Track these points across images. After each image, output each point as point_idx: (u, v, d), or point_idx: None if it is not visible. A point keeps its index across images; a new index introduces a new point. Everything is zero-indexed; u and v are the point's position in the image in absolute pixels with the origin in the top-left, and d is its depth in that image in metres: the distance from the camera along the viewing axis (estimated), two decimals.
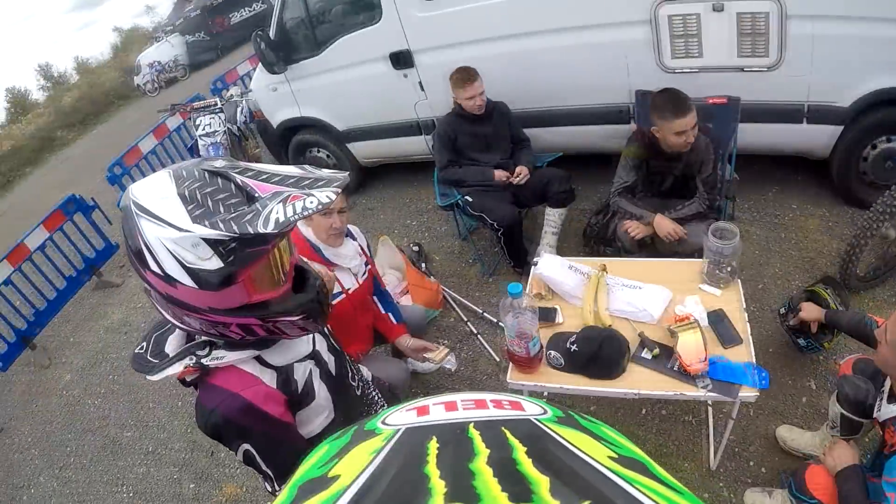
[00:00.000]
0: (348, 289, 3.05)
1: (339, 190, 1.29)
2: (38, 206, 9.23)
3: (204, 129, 5.72)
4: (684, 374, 2.50)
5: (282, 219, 1.22)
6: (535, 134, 4.69)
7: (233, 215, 1.24)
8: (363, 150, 5.78)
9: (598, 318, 2.84)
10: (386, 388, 3.36)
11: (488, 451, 0.50)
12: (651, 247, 3.72)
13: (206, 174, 1.29)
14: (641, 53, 3.98)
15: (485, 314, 4.42)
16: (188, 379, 1.53)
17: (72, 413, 5.10)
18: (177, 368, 1.46)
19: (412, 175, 6.07)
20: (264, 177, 1.30)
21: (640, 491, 0.46)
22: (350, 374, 2.03)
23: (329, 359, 1.86)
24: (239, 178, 1.29)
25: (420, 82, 4.94)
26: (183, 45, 17.70)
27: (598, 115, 4.44)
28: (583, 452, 0.52)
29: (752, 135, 3.91)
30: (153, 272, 1.29)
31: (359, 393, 2.09)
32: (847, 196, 4.28)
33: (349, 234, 3.12)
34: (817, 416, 3.18)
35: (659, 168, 3.58)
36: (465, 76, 4.09)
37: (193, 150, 6.39)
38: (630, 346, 2.68)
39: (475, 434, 0.54)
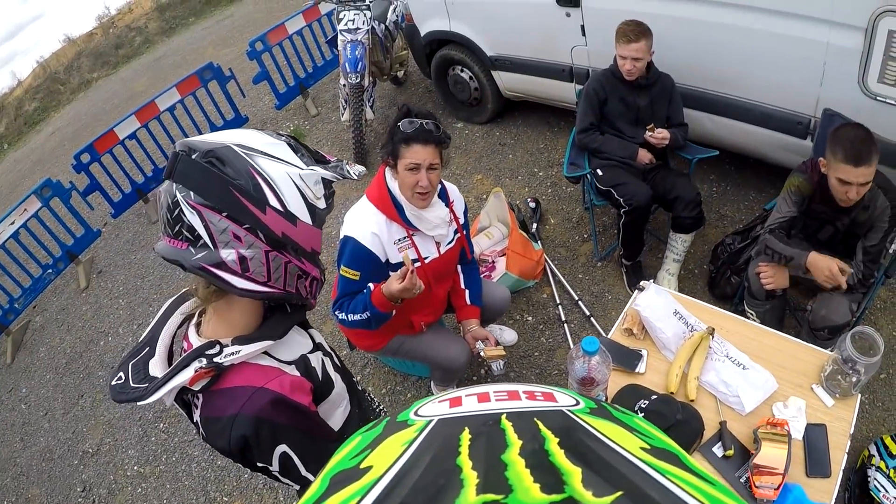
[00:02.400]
0: (426, 258, 2.93)
1: (361, 170, 1.48)
2: (193, 57, 9.54)
3: (346, 24, 5.52)
4: (748, 491, 2.26)
5: (357, 172, 1.46)
6: (696, 118, 4.30)
7: (329, 165, 1.42)
8: (509, 82, 5.48)
9: (685, 386, 2.60)
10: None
11: (520, 442, 0.52)
12: (781, 298, 3.38)
13: (283, 137, 1.42)
14: (844, 65, 3.43)
15: (580, 302, 4.24)
16: (197, 388, 1.42)
17: (164, 274, 5.45)
18: (186, 375, 1.35)
19: (555, 120, 5.81)
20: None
21: (672, 482, 0.47)
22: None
23: (332, 352, 1.84)
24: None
25: (583, 25, 4.54)
26: None
27: (774, 119, 3.95)
28: (615, 443, 0.54)
29: None
30: (274, 209, 1.32)
31: (360, 388, 2.08)
32: None
33: (443, 196, 2.96)
34: None
35: (821, 213, 3.15)
36: (630, 31, 3.67)
37: (332, 44, 6.24)
38: (704, 431, 2.44)
39: (508, 425, 0.56)
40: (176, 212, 1.26)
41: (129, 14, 17.27)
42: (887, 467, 2.82)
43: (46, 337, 5.64)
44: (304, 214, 1.38)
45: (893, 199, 2.91)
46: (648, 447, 0.55)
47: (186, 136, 6.40)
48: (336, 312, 2.81)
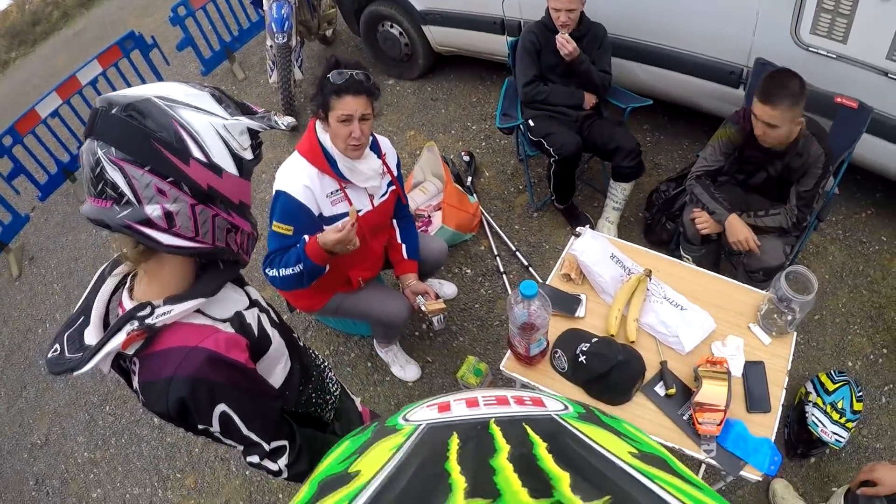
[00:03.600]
0: (359, 210, 2.85)
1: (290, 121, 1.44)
2: (114, 29, 9.22)
3: None
4: (691, 428, 2.27)
5: (287, 122, 1.43)
6: (630, 68, 4.31)
7: (255, 116, 1.39)
8: (439, 36, 5.38)
9: (625, 328, 2.59)
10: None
11: (509, 447, 0.52)
12: (716, 242, 3.41)
13: (206, 88, 1.37)
14: (777, 15, 3.46)
15: (518, 253, 4.24)
16: (130, 352, 1.37)
17: (97, 254, 5.27)
18: (118, 340, 1.30)
19: (487, 74, 5.73)
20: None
21: (660, 486, 0.47)
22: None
23: (269, 308, 1.81)
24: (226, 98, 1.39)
25: None
26: None
27: (706, 69, 3.96)
28: (603, 448, 0.54)
29: (870, 149, 3.47)
30: (198, 160, 1.29)
31: (301, 344, 2.04)
32: None
33: (375, 148, 2.89)
34: (818, 484, 3.07)
35: (754, 159, 3.17)
36: None
37: (257, 4, 6.07)
38: (645, 371, 2.45)
39: (496, 430, 0.56)
40: (98, 170, 1.21)
41: None
42: (824, 403, 2.88)
43: None
44: (229, 165, 1.35)
45: (827, 148, 2.93)
46: (637, 452, 0.55)
47: None
48: (266, 270, 2.71)
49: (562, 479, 0.46)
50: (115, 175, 1.21)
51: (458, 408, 0.66)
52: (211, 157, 1.31)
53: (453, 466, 0.49)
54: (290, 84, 5.51)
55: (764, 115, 2.79)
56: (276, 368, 1.73)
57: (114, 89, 6.01)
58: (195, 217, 1.32)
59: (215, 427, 1.46)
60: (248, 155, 1.39)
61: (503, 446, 0.52)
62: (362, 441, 0.64)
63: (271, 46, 5.45)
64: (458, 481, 0.47)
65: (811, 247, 3.94)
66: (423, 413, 0.67)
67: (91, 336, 1.38)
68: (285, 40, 5.34)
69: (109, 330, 1.32)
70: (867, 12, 3.11)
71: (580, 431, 0.58)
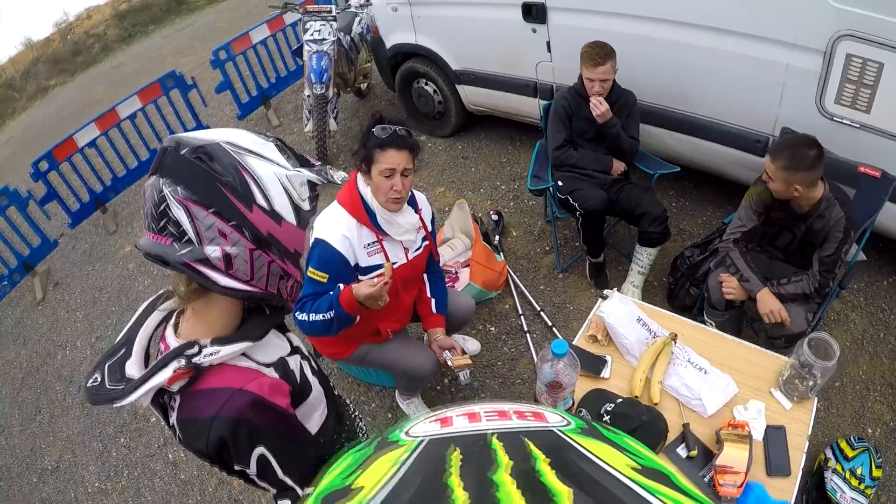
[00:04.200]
0: (394, 263, 2.93)
1: (344, 176, 1.54)
2: (152, 65, 9.42)
3: (312, 34, 5.52)
4: (712, 489, 2.33)
5: (341, 178, 1.50)
6: (658, 135, 4.42)
7: (314, 169, 1.44)
8: (473, 96, 5.54)
9: (648, 390, 2.66)
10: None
11: (511, 462, 0.52)
12: (739, 308, 3.48)
13: (270, 138, 1.43)
14: (802, 86, 3.57)
15: (542, 313, 4.29)
16: (174, 389, 1.39)
17: (122, 286, 5.33)
18: (164, 375, 1.33)
19: (517, 135, 5.88)
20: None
21: (662, 501, 0.47)
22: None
23: (309, 356, 1.82)
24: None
25: (548, 42, 4.62)
26: None
27: (733, 137, 4.07)
28: (606, 463, 0.54)
29: (891, 217, 3.54)
30: (260, 207, 1.33)
31: (336, 393, 2.08)
32: None
33: (412, 203, 2.99)
34: None
35: (779, 221, 3.27)
36: (595, 54, 3.76)
37: (297, 54, 6.24)
38: (668, 433, 2.50)
39: (498, 445, 0.56)
40: (162, 206, 1.25)
41: (88, 20, 17.00)
42: (843, 469, 2.91)
43: (2, 350, 5.49)
44: (289, 215, 1.38)
45: (849, 211, 3.02)
46: (639, 467, 0.55)
47: (147, 146, 6.38)
48: (297, 313, 2.77)
49: (564, 494, 0.46)
50: (179, 213, 1.24)
51: (460, 422, 0.66)
52: (273, 205, 1.34)
53: (455, 481, 0.49)
54: (324, 134, 5.67)
55: (766, 166, 2.97)
56: (314, 416, 1.76)
57: (151, 125, 6.26)
58: (252, 261, 1.35)
59: (252, 469, 1.47)
60: (307, 206, 1.43)
61: (505, 461, 0.52)
62: (364, 456, 0.64)
63: (308, 96, 5.62)
64: (460, 496, 0.47)
65: (832, 314, 3.99)
66: (425, 427, 0.66)
67: (132, 368, 1.41)
68: (323, 91, 5.52)
69: (155, 364, 1.35)
70: (890, 82, 3.22)
71: (582, 446, 0.57)
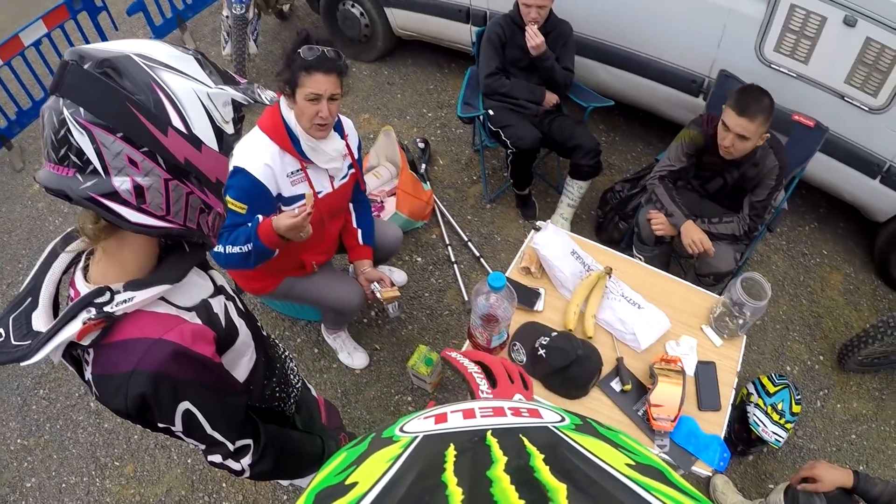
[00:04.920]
0: (319, 192, 2.81)
1: (272, 95, 1.35)
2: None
3: None
4: (646, 423, 2.36)
5: (270, 97, 1.33)
6: (593, 68, 4.40)
7: (240, 87, 1.28)
8: (401, 20, 5.34)
9: (583, 323, 2.66)
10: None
11: (506, 458, 0.52)
12: (668, 244, 3.51)
13: (190, 51, 1.26)
14: (743, 31, 3.62)
15: (469, 243, 4.27)
16: (86, 343, 1.25)
17: (33, 227, 4.99)
18: (72, 329, 1.19)
19: (445, 61, 5.74)
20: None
21: (657, 498, 0.47)
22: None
23: (234, 295, 1.68)
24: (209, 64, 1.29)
25: None
26: None
27: (669, 76, 4.09)
28: (600, 460, 0.53)
29: (819, 166, 3.67)
30: (177, 130, 1.17)
31: (265, 333, 1.91)
32: (882, 267, 4.15)
33: (338, 129, 2.86)
34: (756, 480, 3.24)
35: (712, 165, 3.28)
36: None
37: None
38: (602, 367, 2.52)
39: (493, 442, 0.56)
40: (62, 132, 1.08)
41: None
42: (765, 404, 3.00)
43: None
44: (210, 139, 1.23)
45: (782, 161, 3.06)
46: (634, 463, 0.54)
47: (52, 72, 5.98)
48: None
49: (559, 490, 0.46)
50: (82, 140, 1.08)
51: (455, 419, 0.66)
52: (192, 128, 1.19)
53: (450, 478, 0.49)
54: (244, 58, 5.41)
55: (738, 127, 2.89)
56: (241, 362, 1.63)
57: (58, 54, 5.81)
58: (168, 193, 1.20)
59: (177, 426, 1.38)
60: (230, 129, 1.28)
61: (500, 457, 0.52)
62: (359, 453, 0.63)
63: (227, 17, 5.30)
64: (455, 493, 0.46)
65: (756, 255, 4.11)
66: (420, 424, 0.67)
67: (40, 321, 1.27)
68: (242, 11, 5.20)
69: (62, 316, 1.21)
70: (831, 36, 3.28)
71: (577, 443, 0.57)
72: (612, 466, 0.52)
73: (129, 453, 3.52)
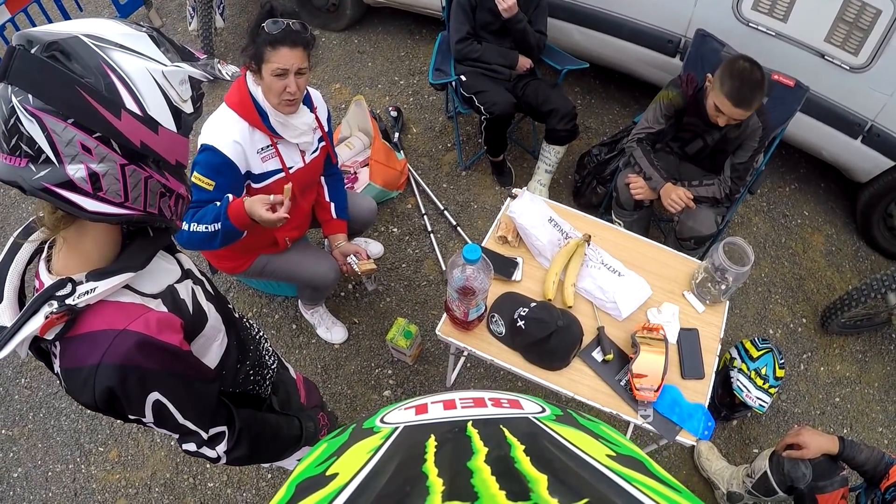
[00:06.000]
0: (290, 167, 2.75)
1: (234, 70, 1.30)
2: None
3: None
4: (628, 393, 2.32)
5: (231, 72, 1.29)
6: (567, 30, 4.30)
7: (198, 63, 1.24)
8: None
9: (562, 293, 2.61)
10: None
11: (486, 449, 0.53)
12: (647, 209, 3.46)
13: (143, 28, 1.21)
14: None
15: (446, 212, 4.22)
16: (50, 337, 1.22)
17: (6, 216, 4.82)
18: (35, 324, 1.16)
19: (416, 28, 5.62)
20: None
21: (638, 489, 0.47)
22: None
23: (203, 278, 1.65)
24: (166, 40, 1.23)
25: None
26: None
27: (644, 36, 4.01)
28: (581, 451, 0.54)
29: (799, 127, 3.63)
30: (131, 112, 1.13)
31: (237, 315, 1.87)
32: (863, 228, 4.13)
33: (307, 101, 2.77)
34: (740, 445, 3.23)
35: (692, 127, 3.23)
36: None
37: None
38: (583, 337, 2.48)
39: (473, 432, 0.57)
40: (12, 121, 1.05)
41: None
42: (748, 369, 2.98)
43: None
44: (167, 120, 1.19)
45: (765, 122, 3.02)
46: (614, 454, 0.55)
47: None
48: None
49: (539, 481, 0.47)
50: (31, 128, 1.05)
51: (436, 410, 0.67)
52: (147, 110, 1.15)
53: (431, 468, 0.50)
54: (210, 32, 5.27)
55: (735, 115, 2.85)
56: (211, 347, 1.59)
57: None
58: (125, 179, 1.17)
59: (148, 417, 1.35)
60: (189, 108, 1.24)
61: (480, 448, 0.53)
62: (340, 443, 0.64)
63: None
64: (436, 483, 0.47)
65: (736, 217, 4.08)
66: (401, 415, 0.67)
67: (5, 315, 1.25)
68: None
69: (24, 311, 1.19)
70: None
71: (557, 434, 0.58)
72: (592, 457, 0.53)
73: (112, 438, 3.49)
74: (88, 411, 3.59)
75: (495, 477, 0.47)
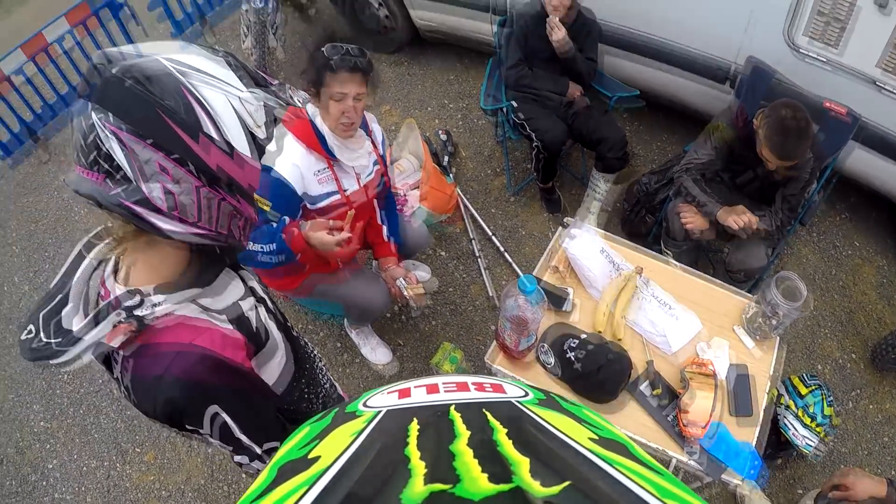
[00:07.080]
0: (346, 190, 2.80)
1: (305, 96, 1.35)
2: None
3: None
4: (675, 429, 2.33)
5: (303, 98, 1.35)
6: (616, 61, 4.31)
7: (270, 89, 1.26)
8: (423, 14, 5.25)
9: (612, 325, 2.62)
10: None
11: (469, 432, 0.53)
12: (697, 239, 3.45)
13: (220, 53, 1.23)
14: (771, 15, 3.49)
15: (493, 237, 4.23)
16: (115, 345, 1.24)
17: (59, 216, 5.02)
18: (102, 331, 1.18)
19: (465, 52, 5.63)
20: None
21: (620, 472, 0.48)
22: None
23: (265, 296, 1.65)
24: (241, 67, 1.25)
25: None
26: None
27: (694, 64, 3.98)
28: (564, 434, 0.55)
29: (851, 156, 3.57)
30: (209, 137, 1.15)
31: (295, 333, 1.89)
32: None
33: (363, 125, 2.82)
34: (784, 485, 3.21)
35: (743, 159, 3.21)
36: None
37: None
38: (632, 370, 2.48)
39: (456, 416, 0.58)
40: (91, 137, 1.07)
41: None
42: (796, 406, 2.96)
43: None
44: (242, 145, 1.21)
45: (817, 152, 3.00)
46: (597, 437, 0.56)
47: (78, 70, 5.98)
48: None
49: (521, 464, 0.47)
50: (111, 145, 1.07)
51: (419, 394, 0.67)
52: (224, 134, 1.17)
53: (413, 452, 0.50)
54: (264, 51, 5.38)
55: (783, 165, 2.87)
56: (271, 364, 1.61)
57: (81, 48, 5.84)
58: (199, 201, 1.18)
59: (206, 430, 1.36)
60: (262, 133, 1.25)
61: (463, 432, 0.53)
62: (322, 427, 0.65)
63: (247, 10, 5.25)
64: (418, 467, 0.47)
65: (785, 247, 4.03)
66: (384, 399, 0.68)
67: (70, 319, 1.25)
68: (262, 4, 5.19)
69: (92, 317, 1.21)
70: (863, 19, 3.17)
71: (540, 417, 0.59)
72: (574, 440, 0.54)
73: (150, 441, 3.57)
74: (128, 412, 3.68)
75: (478, 460, 0.48)
